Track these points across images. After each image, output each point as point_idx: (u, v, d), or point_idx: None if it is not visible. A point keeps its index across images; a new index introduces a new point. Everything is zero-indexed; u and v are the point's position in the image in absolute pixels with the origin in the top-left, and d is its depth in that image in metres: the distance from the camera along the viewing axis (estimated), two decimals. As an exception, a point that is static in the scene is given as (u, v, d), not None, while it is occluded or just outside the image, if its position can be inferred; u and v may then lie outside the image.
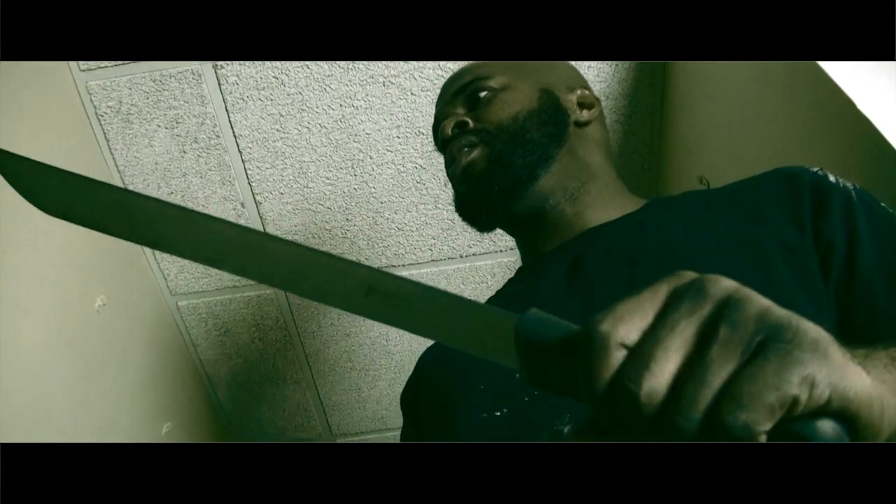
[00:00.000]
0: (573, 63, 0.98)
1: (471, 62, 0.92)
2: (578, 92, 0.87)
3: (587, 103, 0.87)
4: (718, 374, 0.31)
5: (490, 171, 0.79)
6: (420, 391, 0.81)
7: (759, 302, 0.33)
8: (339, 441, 2.02)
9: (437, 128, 0.90)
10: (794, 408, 0.31)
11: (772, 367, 0.30)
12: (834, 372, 0.31)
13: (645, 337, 0.33)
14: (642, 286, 0.35)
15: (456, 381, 0.72)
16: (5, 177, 0.45)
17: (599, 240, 0.74)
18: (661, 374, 0.32)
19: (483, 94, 0.83)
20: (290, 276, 0.41)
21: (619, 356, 0.33)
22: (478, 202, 0.81)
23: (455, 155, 0.81)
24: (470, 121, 0.82)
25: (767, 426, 0.30)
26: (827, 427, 0.32)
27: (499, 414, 0.64)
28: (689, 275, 0.35)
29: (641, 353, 0.32)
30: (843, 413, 0.32)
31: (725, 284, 0.34)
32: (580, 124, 0.85)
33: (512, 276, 0.88)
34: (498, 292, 0.85)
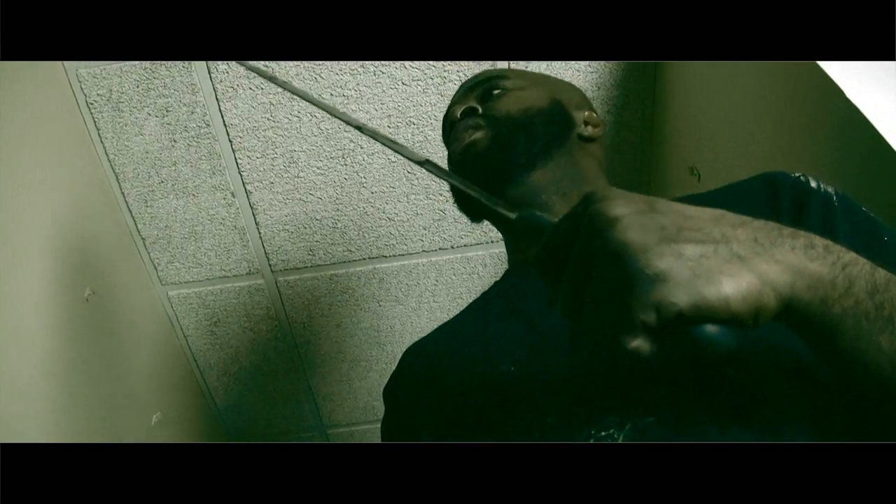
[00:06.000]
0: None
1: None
2: (586, 112, 0.90)
3: (593, 122, 0.90)
4: (589, 309, 0.42)
5: (489, 151, 0.80)
6: (402, 380, 0.82)
7: (622, 235, 0.41)
8: (329, 431, 2.03)
9: (446, 121, 0.93)
10: (648, 326, 0.39)
11: (623, 302, 0.39)
12: (677, 292, 0.38)
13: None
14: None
15: (440, 372, 0.74)
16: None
17: None
18: (569, 296, 0.44)
19: (496, 91, 0.86)
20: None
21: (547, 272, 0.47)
22: (473, 180, 0.81)
23: (459, 135, 0.83)
24: (479, 108, 0.85)
25: (631, 341, 0.39)
26: (693, 331, 0.39)
27: (482, 403, 0.65)
28: (593, 208, 0.44)
29: (556, 277, 0.46)
30: (703, 318, 0.38)
31: (603, 220, 0.42)
32: (583, 138, 0.87)
33: (503, 272, 0.89)
34: (484, 293, 0.86)
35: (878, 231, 0.62)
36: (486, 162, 0.80)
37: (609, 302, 0.40)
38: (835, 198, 0.64)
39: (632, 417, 0.54)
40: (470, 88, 0.90)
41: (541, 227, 0.49)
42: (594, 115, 0.91)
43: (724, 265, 0.39)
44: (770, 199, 0.67)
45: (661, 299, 0.38)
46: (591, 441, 0.54)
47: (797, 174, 0.68)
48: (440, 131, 1.26)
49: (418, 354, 0.82)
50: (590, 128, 0.89)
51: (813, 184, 0.66)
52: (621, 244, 0.40)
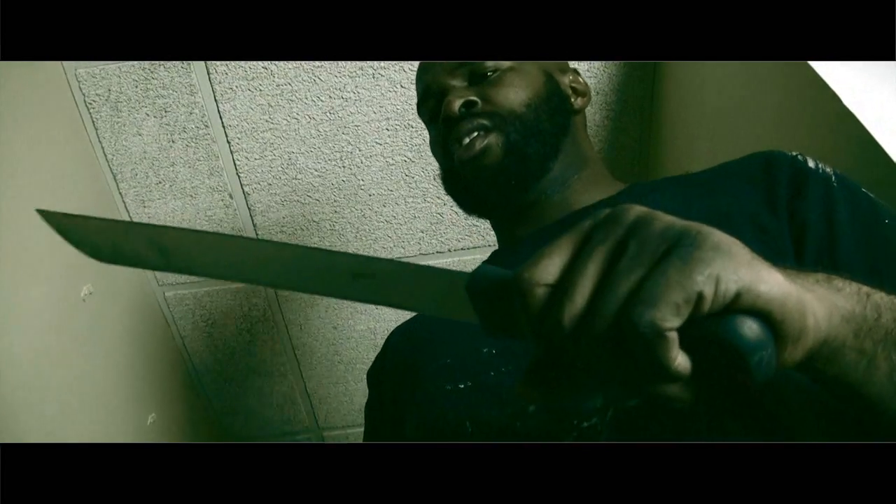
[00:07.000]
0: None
1: None
2: (570, 76, 0.86)
3: (580, 91, 0.86)
4: (626, 282, 0.34)
5: (505, 163, 0.76)
6: (386, 363, 0.81)
7: (665, 218, 0.36)
8: (325, 433, 2.02)
9: (429, 99, 0.86)
10: (701, 304, 0.33)
11: (675, 268, 0.33)
12: (740, 268, 0.33)
13: (564, 269, 0.36)
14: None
15: (422, 355, 0.72)
16: (60, 234, 0.51)
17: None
18: (578, 296, 0.35)
19: (490, 73, 0.79)
20: (286, 275, 0.44)
21: (540, 295, 0.36)
22: (488, 193, 0.78)
23: (462, 137, 0.77)
24: (479, 101, 0.78)
25: (674, 322, 0.32)
26: (743, 322, 0.33)
27: (462, 387, 0.64)
28: (608, 210, 0.38)
29: (560, 285, 0.36)
30: (756, 309, 0.33)
31: (636, 210, 0.37)
32: (574, 112, 0.84)
33: (490, 253, 0.89)
34: None
35: (880, 213, 0.60)
36: (500, 173, 0.76)
37: (644, 278, 0.34)
38: (833, 178, 0.62)
39: (613, 405, 0.53)
40: (456, 65, 0.81)
41: (501, 283, 0.39)
42: (579, 79, 0.87)
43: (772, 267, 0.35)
44: (766, 177, 0.65)
45: (723, 271, 0.33)
46: (574, 433, 0.54)
47: (794, 153, 0.66)
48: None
49: (402, 340, 0.81)
50: (579, 99, 0.85)
51: (811, 164, 0.64)
52: (666, 224, 0.35)
